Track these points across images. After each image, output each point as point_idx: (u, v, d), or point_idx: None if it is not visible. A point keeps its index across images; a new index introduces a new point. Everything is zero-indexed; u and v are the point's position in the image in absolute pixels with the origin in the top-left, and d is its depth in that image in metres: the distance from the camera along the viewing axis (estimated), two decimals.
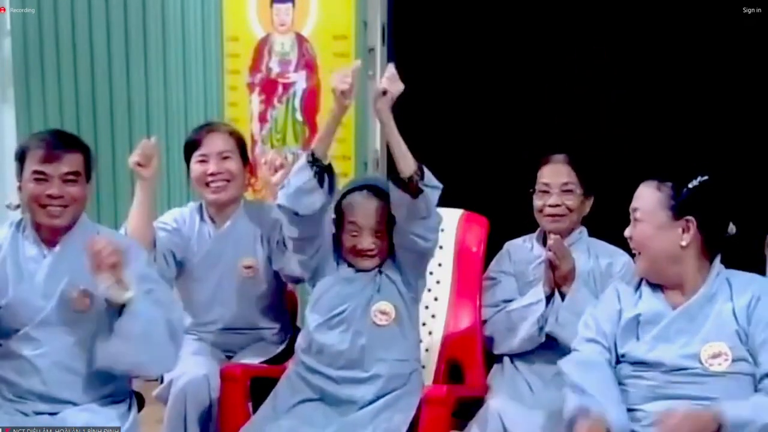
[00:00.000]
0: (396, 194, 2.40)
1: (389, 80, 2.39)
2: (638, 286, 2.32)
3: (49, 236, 2.43)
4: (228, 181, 2.87)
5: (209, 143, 2.88)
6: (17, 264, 2.40)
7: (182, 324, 2.51)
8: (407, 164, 2.37)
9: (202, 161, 2.87)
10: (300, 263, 2.60)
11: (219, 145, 2.88)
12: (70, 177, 2.38)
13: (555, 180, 2.82)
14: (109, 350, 2.32)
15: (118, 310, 2.29)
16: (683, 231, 2.20)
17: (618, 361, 2.26)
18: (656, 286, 2.28)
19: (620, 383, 2.23)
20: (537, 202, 2.86)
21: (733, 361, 2.13)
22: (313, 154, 2.44)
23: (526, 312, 2.74)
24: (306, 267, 2.59)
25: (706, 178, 2.22)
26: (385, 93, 2.39)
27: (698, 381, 2.14)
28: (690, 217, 2.19)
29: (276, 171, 2.92)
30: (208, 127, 2.96)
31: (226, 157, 2.87)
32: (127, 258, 2.33)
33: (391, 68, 2.43)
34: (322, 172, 2.45)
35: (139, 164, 2.74)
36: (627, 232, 2.29)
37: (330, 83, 2.46)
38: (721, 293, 2.22)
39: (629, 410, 2.20)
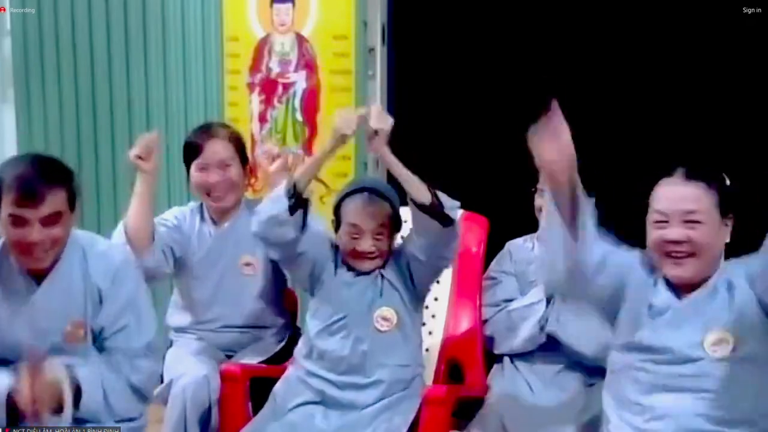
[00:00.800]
0: (424, 221, 2.38)
1: (377, 119, 2.38)
2: (653, 274, 2.27)
3: (34, 270, 2.27)
4: (229, 188, 2.87)
5: (209, 151, 2.85)
6: (7, 299, 2.27)
7: (154, 370, 2.42)
8: (422, 194, 2.37)
9: (202, 169, 2.86)
10: (292, 278, 2.62)
11: (219, 153, 2.86)
12: (52, 219, 2.16)
13: None
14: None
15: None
16: (725, 229, 2.20)
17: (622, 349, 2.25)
18: (669, 281, 2.24)
19: (621, 373, 2.22)
20: (538, 200, 2.86)
21: (735, 347, 2.12)
22: (294, 186, 2.43)
23: (527, 312, 2.74)
24: (299, 281, 2.61)
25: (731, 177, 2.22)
26: (376, 133, 2.38)
27: (701, 373, 2.13)
28: (731, 215, 2.19)
29: (273, 160, 2.90)
30: (207, 133, 2.92)
31: (227, 165, 2.86)
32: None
33: (376, 107, 2.43)
34: (297, 205, 2.43)
35: (139, 157, 2.72)
36: (678, 236, 2.15)
37: (333, 122, 2.43)
38: (721, 283, 2.21)
39: (627, 401, 2.19)
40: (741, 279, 2.19)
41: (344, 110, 2.50)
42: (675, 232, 2.16)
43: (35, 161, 2.24)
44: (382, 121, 2.38)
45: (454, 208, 2.40)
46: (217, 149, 2.86)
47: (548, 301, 2.72)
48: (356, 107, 3.60)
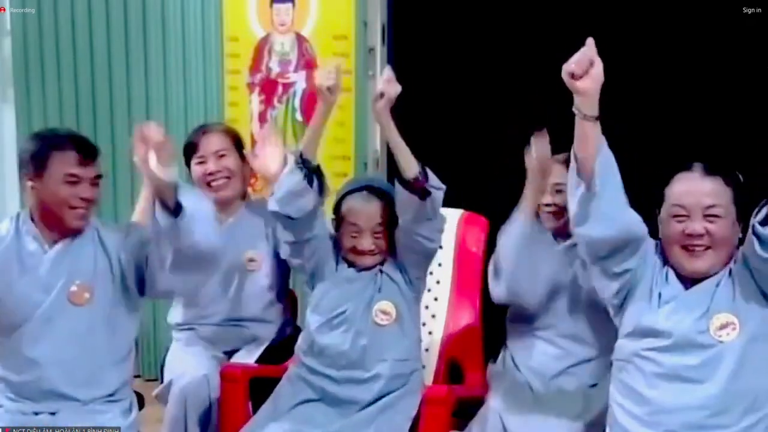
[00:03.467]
0: (403, 196, 2.41)
1: (386, 82, 2.41)
2: (663, 265, 2.28)
3: (54, 233, 2.42)
4: (228, 178, 2.91)
5: (205, 144, 2.92)
6: (18, 259, 2.40)
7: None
8: (410, 166, 2.39)
9: (200, 162, 2.91)
10: (298, 267, 2.63)
11: (215, 144, 2.92)
12: (97, 180, 2.41)
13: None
14: (179, 238, 2.27)
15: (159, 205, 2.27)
16: (739, 223, 2.21)
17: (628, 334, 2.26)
18: (677, 271, 2.26)
19: (627, 361, 2.24)
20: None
21: (741, 329, 2.15)
22: (302, 156, 2.46)
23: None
24: (304, 270, 2.61)
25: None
26: (382, 95, 2.40)
27: (707, 362, 2.15)
28: (743, 210, 2.21)
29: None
30: (203, 129, 3.01)
31: (222, 155, 2.91)
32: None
33: (388, 71, 2.45)
34: (311, 173, 2.47)
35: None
36: (698, 229, 2.19)
37: (315, 81, 2.49)
38: (725, 270, 2.24)
39: (632, 392, 2.21)
40: (737, 261, 2.22)
41: (322, 67, 2.55)
42: (696, 225, 2.19)
43: (72, 133, 2.50)
44: (389, 85, 2.41)
45: (438, 188, 2.41)
46: (213, 140, 2.93)
47: None
48: (355, 103, 3.62)
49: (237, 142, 2.98)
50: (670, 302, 2.23)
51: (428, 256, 2.55)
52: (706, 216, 2.19)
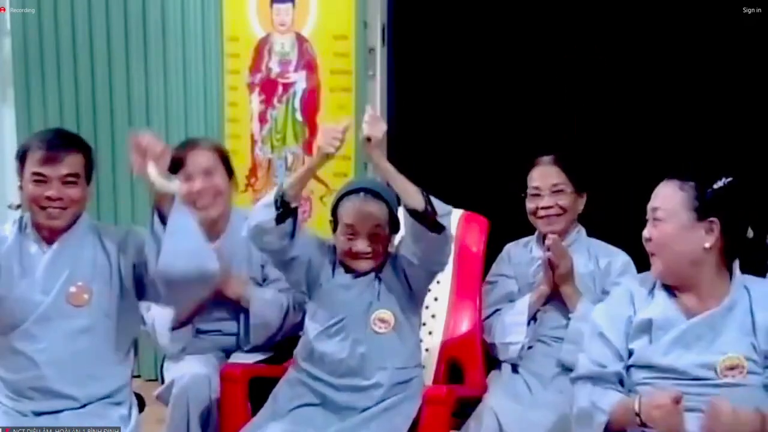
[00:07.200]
0: (416, 228, 2.36)
1: (370, 125, 2.35)
2: (652, 288, 2.24)
3: (49, 235, 2.43)
4: (215, 196, 2.83)
5: (192, 161, 2.82)
6: (19, 260, 2.41)
7: None
8: (415, 200, 2.33)
9: (187, 180, 2.79)
10: (287, 281, 2.64)
11: (202, 162, 2.83)
12: (70, 179, 2.38)
13: (545, 182, 2.82)
14: (167, 249, 2.26)
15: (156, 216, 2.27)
16: (706, 232, 2.13)
17: (628, 367, 2.20)
18: (670, 291, 2.20)
19: (630, 390, 2.17)
20: (530, 205, 2.85)
21: (749, 373, 2.09)
22: (283, 195, 2.42)
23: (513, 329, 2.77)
24: (295, 284, 2.61)
25: (731, 179, 2.15)
26: (369, 140, 2.36)
27: (711, 393, 2.07)
28: (714, 219, 2.12)
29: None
30: (189, 144, 2.91)
31: (210, 173, 2.83)
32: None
33: (369, 111, 2.40)
34: (286, 213, 2.43)
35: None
36: (646, 233, 2.18)
37: (319, 138, 2.43)
38: (741, 302, 2.16)
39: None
40: (766, 312, 2.14)
41: (328, 127, 2.47)
42: (645, 231, 2.21)
43: (56, 131, 2.53)
44: (374, 127, 2.35)
45: (446, 214, 2.37)
46: (200, 159, 2.83)
47: (548, 300, 2.74)
48: (355, 104, 3.62)
49: (225, 160, 2.90)
50: (664, 331, 2.15)
51: (435, 273, 2.57)
52: (654, 220, 2.19)
